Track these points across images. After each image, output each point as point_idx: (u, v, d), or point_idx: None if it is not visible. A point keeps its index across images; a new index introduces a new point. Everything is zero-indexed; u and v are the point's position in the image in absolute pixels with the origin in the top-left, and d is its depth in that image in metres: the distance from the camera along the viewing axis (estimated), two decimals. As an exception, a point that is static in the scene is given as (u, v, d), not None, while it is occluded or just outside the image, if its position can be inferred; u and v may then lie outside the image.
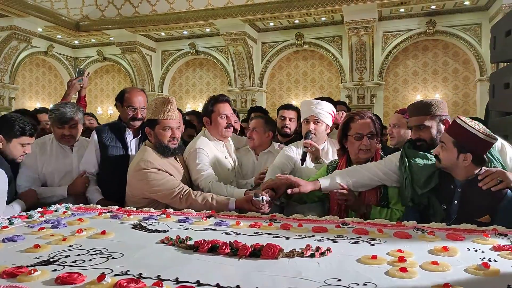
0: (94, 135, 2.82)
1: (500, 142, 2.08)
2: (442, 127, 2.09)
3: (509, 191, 1.88)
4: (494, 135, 1.91)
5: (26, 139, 2.39)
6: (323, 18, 9.61)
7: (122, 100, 2.87)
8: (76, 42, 11.76)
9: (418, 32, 9.35)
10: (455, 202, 1.96)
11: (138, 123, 2.85)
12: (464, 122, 1.92)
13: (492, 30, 3.03)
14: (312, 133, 2.64)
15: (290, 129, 3.21)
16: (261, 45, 10.70)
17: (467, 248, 1.44)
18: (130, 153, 2.80)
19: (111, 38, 10.92)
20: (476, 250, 1.42)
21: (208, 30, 10.50)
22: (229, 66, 10.77)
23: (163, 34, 10.98)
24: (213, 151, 2.72)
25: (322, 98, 3.50)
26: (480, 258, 1.32)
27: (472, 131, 1.88)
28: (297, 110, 3.27)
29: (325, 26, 10.00)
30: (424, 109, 2.10)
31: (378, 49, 9.56)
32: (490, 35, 3.14)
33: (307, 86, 10.68)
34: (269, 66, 10.72)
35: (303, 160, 2.57)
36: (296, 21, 9.81)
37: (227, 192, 2.43)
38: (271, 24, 10.11)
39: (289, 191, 2.17)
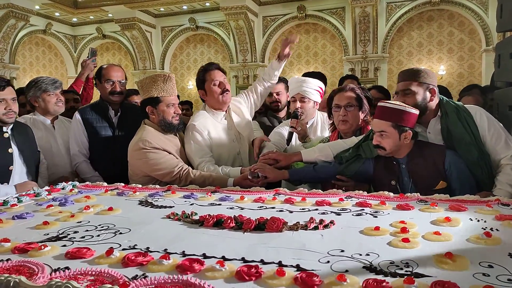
0: (78, 116, 2.80)
1: (479, 111, 2.07)
2: (428, 96, 2.06)
3: (447, 150, 1.99)
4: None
5: None
6: (326, -11, 9.39)
7: (100, 76, 2.85)
8: (75, 19, 11.59)
9: (423, 1, 9.13)
10: (405, 178, 2.03)
11: (118, 98, 2.85)
12: (392, 103, 2.00)
13: (499, -2, 2.94)
14: (299, 112, 2.64)
15: (280, 103, 3.20)
16: (262, 19, 10.51)
17: (470, 219, 1.46)
18: (116, 132, 2.83)
19: (110, 15, 10.75)
20: (478, 220, 1.43)
21: (208, 4, 10.30)
22: (230, 42, 10.62)
23: (162, 9, 10.79)
24: (210, 125, 2.63)
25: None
26: (483, 228, 1.33)
27: (403, 108, 1.96)
28: (284, 81, 3.27)
29: (328, -2, 9.78)
30: (412, 74, 2.09)
31: (382, 21, 9.37)
32: (496, 4, 3.05)
33: (310, 60, 10.55)
34: (271, 40, 10.56)
35: (289, 140, 2.59)
36: (298, -7, 9.60)
37: (222, 174, 2.43)
38: (272, -4, 9.91)
39: (273, 166, 2.27)
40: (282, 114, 3.30)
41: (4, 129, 2.35)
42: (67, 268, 1.05)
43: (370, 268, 1.03)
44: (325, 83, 3.56)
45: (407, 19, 9.44)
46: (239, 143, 2.72)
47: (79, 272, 1.02)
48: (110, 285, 0.89)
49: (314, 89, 2.71)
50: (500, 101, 2.56)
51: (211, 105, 2.69)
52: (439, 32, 9.48)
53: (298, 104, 2.68)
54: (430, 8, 9.29)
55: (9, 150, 2.34)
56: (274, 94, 3.19)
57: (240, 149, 2.71)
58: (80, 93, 3.77)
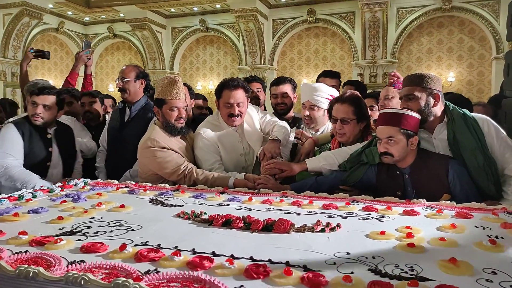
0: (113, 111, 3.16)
1: (486, 120, 2.07)
2: (432, 101, 2.07)
3: (450, 161, 1.98)
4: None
5: (33, 97, 2.59)
6: (336, -6, 9.39)
7: None
8: (87, 18, 11.72)
9: (434, 8, 9.10)
10: (409, 189, 2.03)
11: (122, 95, 2.94)
12: (395, 109, 2.02)
13: (510, 7, 2.95)
14: (306, 118, 2.64)
15: (286, 105, 3.19)
16: (272, 21, 10.54)
17: (475, 226, 1.47)
18: (122, 129, 2.97)
19: (121, 15, 10.85)
20: (484, 228, 1.45)
21: (218, 6, 10.35)
22: (240, 44, 10.67)
23: (173, 10, 10.87)
24: (219, 137, 2.58)
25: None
26: (488, 236, 1.35)
27: (406, 112, 1.97)
28: (291, 81, 3.32)
29: (338, 2, 9.77)
30: (416, 80, 2.10)
31: (392, 26, 9.35)
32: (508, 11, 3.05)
33: (319, 64, 10.55)
34: (280, 43, 10.58)
35: (293, 152, 2.55)
36: (309, -3, 9.61)
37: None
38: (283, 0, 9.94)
39: (276, 176, 2.28)
40: (290, 114, 3.26)
41: (48, 130, 2.67)
42: (83, 261, 1.10)
43: (375, 271, 1.05)
44: (340, 83, 3.65)
45: (417, 25, 9.42)
46: (247, 156, 2.66)
47: (94, 266, 1.06)
48: (124, 279, 0.93)
49: (325, 98, 2.65)
50: (509, 110, 2.57)
51: (223, 119, 2.64)
52: (449, 38, 9.44)
53: (307, 112, 2.65)
54: (441, 15, 9.26)
55: (50, 149, 2.65)
56: (280, 96, 3.16)
57: (247, 162, 2.65)
58: (80, 90, 3.73)
